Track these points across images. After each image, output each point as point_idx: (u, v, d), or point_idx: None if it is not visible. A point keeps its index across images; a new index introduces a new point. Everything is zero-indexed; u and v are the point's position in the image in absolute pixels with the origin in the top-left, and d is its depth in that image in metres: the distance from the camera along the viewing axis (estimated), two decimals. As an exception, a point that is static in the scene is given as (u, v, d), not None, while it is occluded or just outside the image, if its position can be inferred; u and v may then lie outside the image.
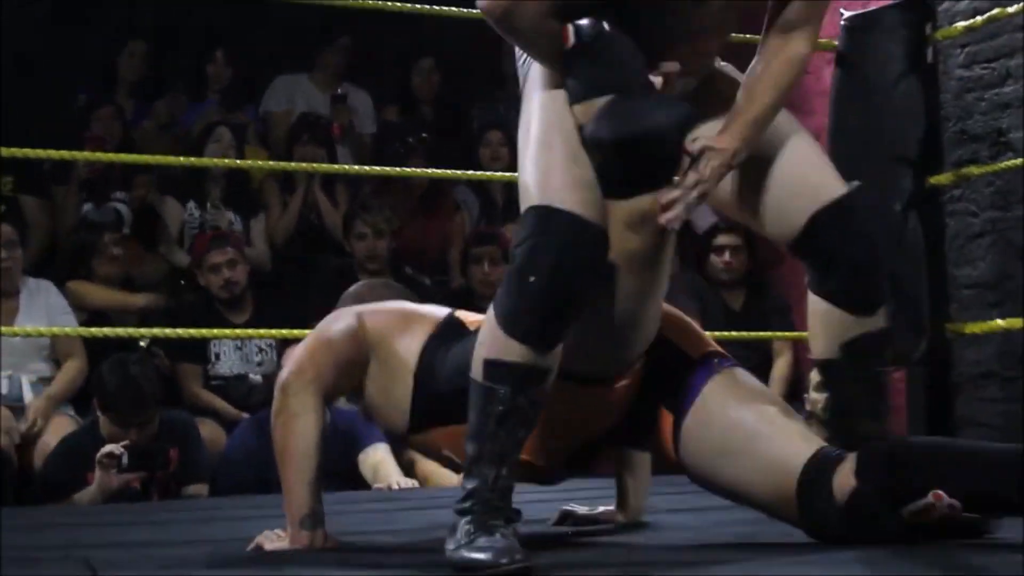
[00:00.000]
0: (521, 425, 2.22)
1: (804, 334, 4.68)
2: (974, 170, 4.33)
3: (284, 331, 4.25)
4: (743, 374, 2.48)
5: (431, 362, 2.48)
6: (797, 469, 2.30)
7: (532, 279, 2.17)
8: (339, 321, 2.59)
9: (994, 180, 4.41)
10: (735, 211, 2.51)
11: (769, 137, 2.37)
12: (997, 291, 4.40)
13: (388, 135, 6.34)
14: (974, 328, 4.24)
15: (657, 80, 2.31)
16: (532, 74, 2.38)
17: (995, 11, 4.15)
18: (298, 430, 2.51)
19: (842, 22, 4.37)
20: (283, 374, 2.56)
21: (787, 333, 4.68)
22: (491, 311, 2.25)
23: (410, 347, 2.51)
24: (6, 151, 3.69)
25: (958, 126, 4.51)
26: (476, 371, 2.25)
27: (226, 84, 6.39)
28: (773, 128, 2.37)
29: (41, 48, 6.30)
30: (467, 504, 2.20)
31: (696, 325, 2.61)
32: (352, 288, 2.99)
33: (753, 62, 2.39)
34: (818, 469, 2.28)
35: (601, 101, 2.22)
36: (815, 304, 2.43)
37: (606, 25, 2.24)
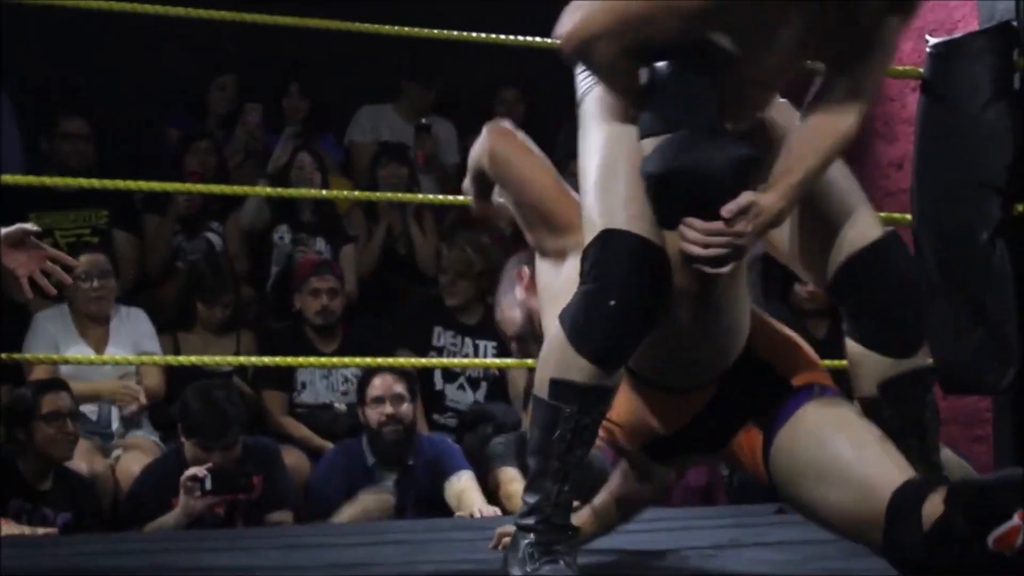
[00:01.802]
0: (585, 443, 2.27)
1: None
2: (1063, 197, 4.27)
3: (369, 360, 4.31)
4: (844, 403, 2.46)
5: None
6: (887, 495, 2.27)
7: (613, 302, 2.22)
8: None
9: (1083, 207, 4.35)
10: (782, 257, 2.54)
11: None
12: (1088, 320, 4.33)
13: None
14: (1063, 357, 4.17)
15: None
16: (589, 105, 2.42)
17: (1083, 35, 4.12)
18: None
19: (928, 49, 4.32)
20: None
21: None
22: (557, 330, 2.28)
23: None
24: (109, 183, 3.76)
25: (1045, 153, 4.46)
26: (541, 389, 2.29)
27: (304, 115, 6.46)
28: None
29: (129, 81, 6.42)
30: (530, 521, 2.25)
31: (810, 354, 2.58)
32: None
33: (802, 119, 2.38)
34: (909, 497, 2.25)
35: (668, 135, 2.23)
36: (851, 346, 2.45)
37: (681, 67, 2.26)
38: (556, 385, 2.27)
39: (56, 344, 4.78)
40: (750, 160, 2.26)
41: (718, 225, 2.21)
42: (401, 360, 4.77)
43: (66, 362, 4.49)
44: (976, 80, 4.25)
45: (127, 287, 5.41)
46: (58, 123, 5.60)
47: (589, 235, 2.30)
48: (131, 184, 3.86)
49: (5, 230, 2.82)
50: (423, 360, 4.99)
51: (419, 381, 5.01)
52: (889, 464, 2.32)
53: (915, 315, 2.43)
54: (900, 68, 4.57)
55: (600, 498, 2.88)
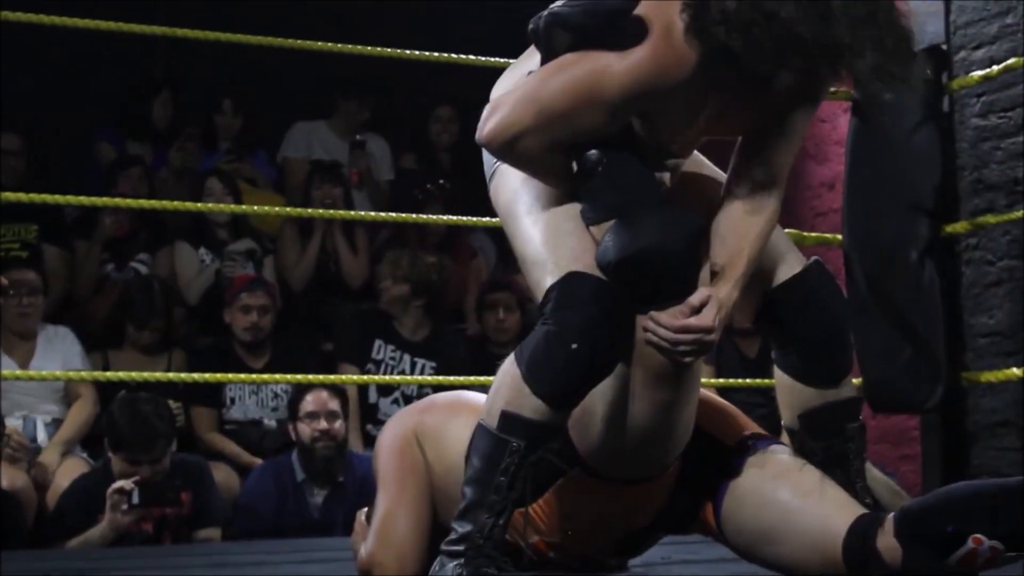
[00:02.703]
0: (526, 480, 2.24)
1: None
2: (990, 219, 4.31)
3: (299, 376, 4.29)
4: (779, 450, 2.49)
5: None
6: (839, 539, 2.31)
7: (574, 345, 2.21)
8: (393, 446, 2.60)
9: (1010, 229, 4.39)
10: None
11: None
12: (1013, 340, 4.37)
13: (406, 182, 6.38)
14: (990, 376, 4.23)
15: (665, 177, 2.39)
16: (503, 180, 2.44)
17: (1011, 60, 4.17)
18: None
19: (858, 71, 4.41)
20: (363, 560, 2.55)
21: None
22: (512, 363, 2.28)
23: (461, 431, 2.49)
24: (37, 197, 3.74)
25: (974, 175, 4.50)
26: (489, 419, 2.26)
27: (236, 132, 6.45)
28: None
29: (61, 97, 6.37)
30: (459, 548, 2.22)
31: (730, 407, 2.62)
32: None
33: (726, 204, 2.39)
34: (860, 536, 2.29)
35: (616, 219, 2.25)
36: (778, 375, 2.47)
37: (604, 154, 2.29)
38: (506, 418, 2.25)
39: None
40: (702, 230, 2.29)
41: (689, 321, 2.24)
42: (332, 377, 4.76)
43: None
44: (906, 103, 4.31)
45: (56, 301, 5.38)
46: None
47: (535, 273, 2.32)
48: (59, 199, 3.81)
49: None
50: (355, 377, 4.97)
51: (356, 393, 5.05)
52: (831, 507, 2.36)
53: (839, 346, 2.45)
54: (832, 90, 4.62)
55: None
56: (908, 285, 4.23)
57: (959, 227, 4.35)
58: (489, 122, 2.32)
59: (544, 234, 2.33)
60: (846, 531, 2.30)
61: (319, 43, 4.03)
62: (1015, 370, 4.11)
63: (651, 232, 2.21)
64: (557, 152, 2.32)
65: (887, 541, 2.25)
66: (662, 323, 2.24)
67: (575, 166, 2.32)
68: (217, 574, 3.21)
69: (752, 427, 2.55)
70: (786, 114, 2.36)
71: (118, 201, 4.69)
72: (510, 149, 2.33)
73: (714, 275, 2.33)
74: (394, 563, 2.49)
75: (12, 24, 3.77)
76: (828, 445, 2.44)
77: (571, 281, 2.26)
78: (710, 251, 2.37)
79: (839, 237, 4.39)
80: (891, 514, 2.29)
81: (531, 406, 2.24)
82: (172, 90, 6.40)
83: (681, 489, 2.49)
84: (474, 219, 4.59)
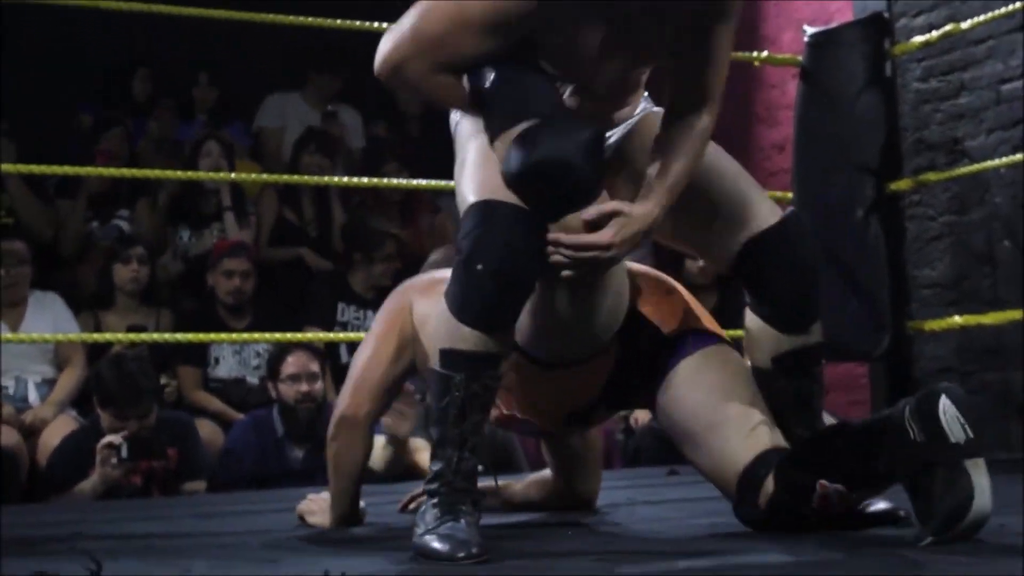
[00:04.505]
0: (478, 409, 2.29)
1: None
2: (931, 177, 4.47)
3: (279, 335, 4.40)
4: (716, 355, 2.57)
5: None
6: (740, 469, 2.43)
7: (480, 267, 2.24)
8: (391, 310, 2.80)
9: (951, 186, 4.56)
10: (669, 241, 2.63)
11: (701, 171, 2.46)
12: (955, 290, 4.55)
13: (376, 150, 6.53)
14: (933, 326, 4.39)
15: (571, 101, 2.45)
16: (460, 127, 2.51)
17: (949, 27, 4.33)
18: (349, 458, 2.80)
19: (805, 38, 4.53)
20: (340, 407, 2.80)
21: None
22: (442, 302, 2.32)
23: None
24: (24, 168, 3.83)
25: (916, 135, 4.66)
26: (432, 360, 2.33)
27: (213, 104, 6.59)
28: (704, 163, 2.46)
29: (42, 71, 6.48)
30: (434, 485, 2.31)
31: (677, 292, 2.68)
32: (432, 256, 3.15)
33: (661, 128, 2.45)
34: (751, 476, 2.40)
35: (514, 132, 2.29)
36: (750, 320, 2.56)
37: (498, 72, 2.35)
38: (444, 355, 2.29)
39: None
40: (599, 138, 2.31)
41: (586, 239, 2.29)
42: (310, 335, 4.87)
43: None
44: (851, 68, 4.45)
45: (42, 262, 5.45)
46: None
47: (463, 209, 2.34)
48: (46, 169, 3.93)
49: None
50: (330, 335, 5.10)
51: (327, 357, 5.13)
52: (744, 436, 2.45)
53: (814, 293, 2.51)
54: (780, 56, 4.77)
55: (535, 484, 3.09)
56: (855, 241, 4.38)
57: (902, 185, 4.50)
58: (377, 56, 2.42)
59: (466, 175, 2.38)
60: (744, 467, 2.42)
61: (291, 17, 4.14)
62: (956, 319, 4.27)
63: (549, 142, 2.24)
64: (446, 75, 2.39)
65: (768, 486, 2.37)
66: (561, 241, 2.29)
67: (466, 85, 2.38)
68: (205, 523, 3.25)
69: (697, 321, 2.63)
70: (701, 33, 2.38)
71: (102, 171, 4.80)
72: (396, 77, 2.41)
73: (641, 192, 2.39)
74: (364, 412, 2.76)
75: (-1, 1, 3.86)
76: (797, 386, 2.51)
77: (474, 208, 2.29)
78: (639, 168, 2.44)
79: (789, 195, 4.51)
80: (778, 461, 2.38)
81: (462, 336, 2.26)
82: (150, 65, 6.52)
83: (620, 371, 2.60)
84: (443, 183, 4.76)
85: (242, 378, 5.32)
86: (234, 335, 4.75)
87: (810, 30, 4.55)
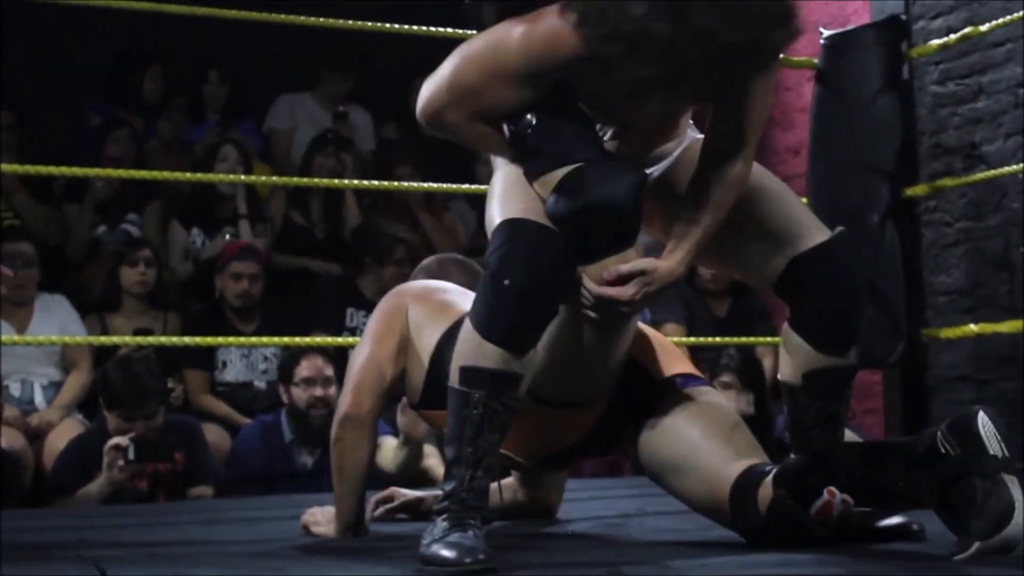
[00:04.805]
0: (496, 429, 2.32)
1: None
2: (948, 182, 4.45)
3: (287, 339, 4.37)
4: (704, 393, 2.62)
5: (442, 353, 2.61)
6: (730, 481, 2.45)
7: (507, 282, 2.28)
8: (387, 311, 2.81)
9: (967, 191, 4.54)
10: (711, 263, 2.68)
11: (745, 193, 2.48)
12: (971, 297, 4.53)
13: (387, 151, 6.50)
14: (949, 333, 4.36)
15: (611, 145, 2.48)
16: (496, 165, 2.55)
17: (968, 30, 4.30)
18: (354, 459, 2.78)
19: (822, 41, 4.50)
20: (342, 407, 2.79)
21: (767, 338, 4.82)
22: (467, 320, 2.36)
23: (433, 335, 2.69)
24: (32, 168, 3.84)
25: (933, 140, 4.63)
26: (453, 378, 2.35)
27: (223, 103, 6.56)
28: (750, 184, 2.48)
29: (50, 71, 6.46)
30: (445, 504, 2.31)
31: (671, 347, 2.76)
32: (424, 262, 3.17)
33: (696, 170, 2.47)
34: (745, 483, 2.42)
35: (557, 175, 2.33)
36: (787, 332, 2.55)
37: (538, 116, 2.38)
38: (466, 372, 2.31)
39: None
40: (642, 181, 2.35)
41: (609, 291, 2.36)
42: (319, 340, 4.85)
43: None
44: (867, 71, 4.43)
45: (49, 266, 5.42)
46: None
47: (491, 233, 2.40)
48: (53, 170, 3.92)
49: None
50: (339, 340, 5.06)
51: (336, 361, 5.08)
52: (730, 453, 2.49)
53: (854, 317, 2.52)
54: (796, 59, 4.74)
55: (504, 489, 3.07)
56: (870, 246, 4.34)
57: (918, 190, 4.47)
58: (419, 102, 2.46)
59: (495, 202, 2.44)
60: (736, 476, 2.44)
61: (303, 18, 4.12)
62: (972, 326, 4.24)
63: (595, 185, 2.29)
64: (485, 123, 2.43)
65: (766, 490, 2.39)
66: (586, 287, 2.37)
67: (507, 132, 2.41)
68: (211, 530, 3.25)
69: (685, 367, 2.69)
70: (743, 81, 2.39)
71: (111, 172, 4.79)
72: (437, 124, 2.46)
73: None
74: (366, 410, 2.74)
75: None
76: (824, 405, 2.52)
77: (505, 226, 2.35)
78: (673, 219, 2.47)
79: (804, 200, 4.49)
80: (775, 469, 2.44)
81: (485, 354, 2.30)
82: (161, 63, 6.49)
83: (610, 415, 2.64)
84: (453, 186, 4.73)
85: (249, 382, 5.29)
86: (242, 339, 4.71)
87: (826, 32, 4.53)
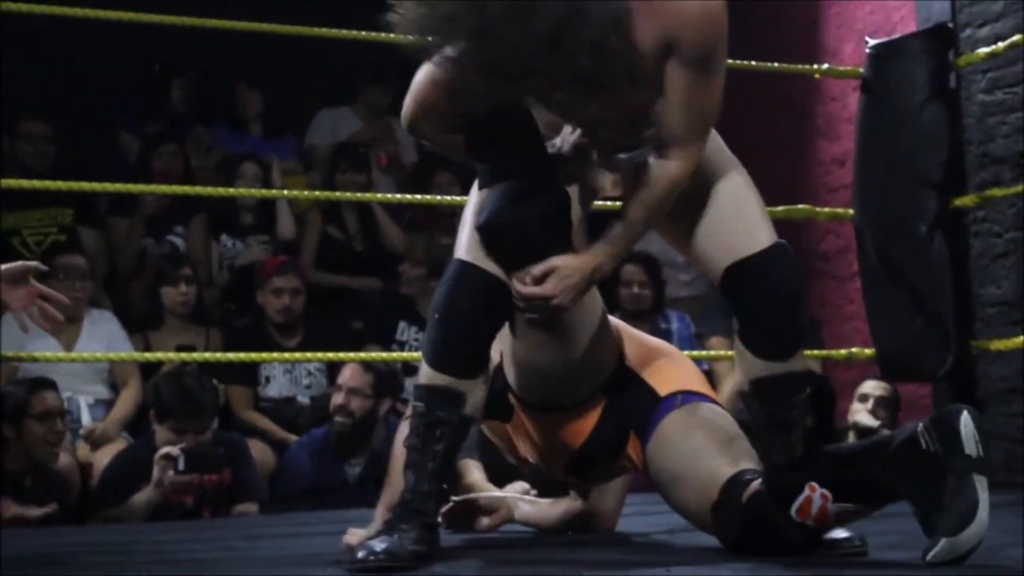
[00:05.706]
0: (439, 440, 2.49)
1: (833, 352, 4.79)
2: (997, 192, 4.40)
3: (331, 355, 4.37)
4: (704, 408, 2.74)
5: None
6: (720, 483, 2.54)
7: (436, 315, 2.49)
8: None
9: (1016, 201, 4.48)
10: (684, 254, 2.70)
11: (705, 185, 2.55)
12: (1020, 309, 4.46)
13: (429, 164, 6.50)
14: (999, 345, 4.33)
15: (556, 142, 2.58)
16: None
17: (1016, 37, 4.25)
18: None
19: (867, 50, 4.48)
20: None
21: (816, 351, 4.78)
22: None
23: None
24: (75, 185, 3.89)
25: (981, 149, 4.58)
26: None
27: (263, 116, 6.58)
28: (710, 176, 2.55)
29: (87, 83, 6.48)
30: (399, 499, 2.51)
31: (684, 364, 2.88)
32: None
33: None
34: (735, 483, 2.51)
35: (486, 191, 2.50)
36: (736, 339, 2.61)
37: (487, 127, 2.49)
38: (416, 389, 2.53)
39: (23, 342, 4.76)
40: (559, 207, 2.48)
41: (531, 291, 2.47)
42: (362, 355, 4.85)
43: (47, 359, 4.46)
44: (914, 80, 4.40)
45: (97, 283, 5.46)
46: (20, 124, 5.66)
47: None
48: (96, 186, 3.93)
49: (6, 266, 2.84)
50: (383, 355, 5.06)
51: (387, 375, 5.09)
52: (723, 461, 2.58)
53: (789, 324, 2.54)
54: (841, 68, 4.71)
55: (558, 503, 3.17)
56: (918, 257, 4.33)
57: (967, 200, 4.44)
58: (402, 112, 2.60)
59: (464, 229, 2.57)
60: (727, 478, 2.53)
61: (344, 31, 4.12)
62: (1022, 338, 4.20)
63: (508, 205, 2.45)
64: (450, 132, 2.55)
65: (752, 488, 2.47)
66: (514, 287, 2.49)
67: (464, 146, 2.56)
68: (256, 546, 3.26)
69: (691, 384, 2.80)
70: (666, 73, 2.42)
71: (155, 188, 4.82)
72: (414, 133, 2.64)
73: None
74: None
75: (40, 14, 3.88)
76: (772, 411, 2.55)
77: (456, 265, 2.53)
78: (671, 218, 2.57)
79: (850, 212, 4.48)
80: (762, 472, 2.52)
81: (425, 373, 2.51)
82: (193, 74, 6.49)
83: (606, 419, 2.78)
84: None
85: (292, 397, 5.30)
86: (286, 355, 4.72)
87: (872, 41, 4.51)
